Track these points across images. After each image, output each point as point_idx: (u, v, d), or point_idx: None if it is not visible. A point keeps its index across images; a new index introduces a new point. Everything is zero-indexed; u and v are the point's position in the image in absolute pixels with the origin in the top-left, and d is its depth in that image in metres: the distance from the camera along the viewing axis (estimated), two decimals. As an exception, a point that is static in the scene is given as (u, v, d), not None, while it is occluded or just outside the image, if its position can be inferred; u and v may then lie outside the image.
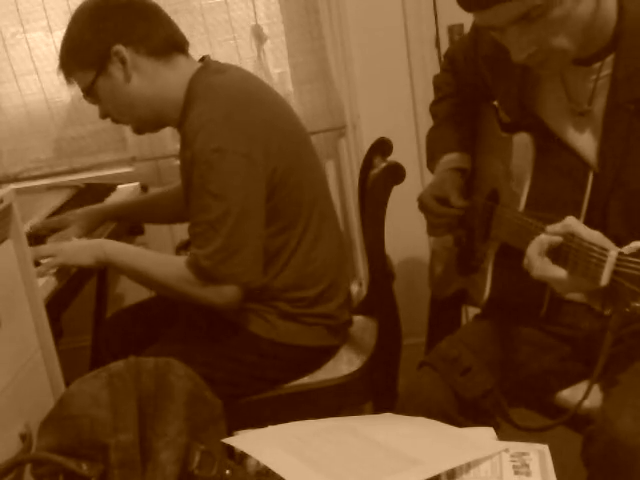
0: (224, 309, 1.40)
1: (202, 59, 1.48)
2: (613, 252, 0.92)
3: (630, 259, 0.91)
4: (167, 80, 1.43)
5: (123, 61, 1.39)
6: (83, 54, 1.41)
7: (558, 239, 1.00)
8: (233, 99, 1.37)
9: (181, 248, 1.91)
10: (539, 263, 1.01)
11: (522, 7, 0.99)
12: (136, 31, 1.40)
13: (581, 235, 0.98)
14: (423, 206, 1.42)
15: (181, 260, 1.38)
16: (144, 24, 1.41)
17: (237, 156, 1.31)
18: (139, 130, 1.53)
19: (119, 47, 1.38)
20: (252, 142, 1.33)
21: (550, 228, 1.02)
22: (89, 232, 1.70)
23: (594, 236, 0.97)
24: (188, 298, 1.40)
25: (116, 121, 1.52)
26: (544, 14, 1.00)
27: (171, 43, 1.44)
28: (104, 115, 1.51)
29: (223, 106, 1.35)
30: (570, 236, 0.99)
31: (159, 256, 1.49)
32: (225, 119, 1.33)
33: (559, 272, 0.99)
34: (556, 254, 1.00)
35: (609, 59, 1.10)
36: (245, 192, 1.33)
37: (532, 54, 1.05)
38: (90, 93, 1.45)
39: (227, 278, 1.34)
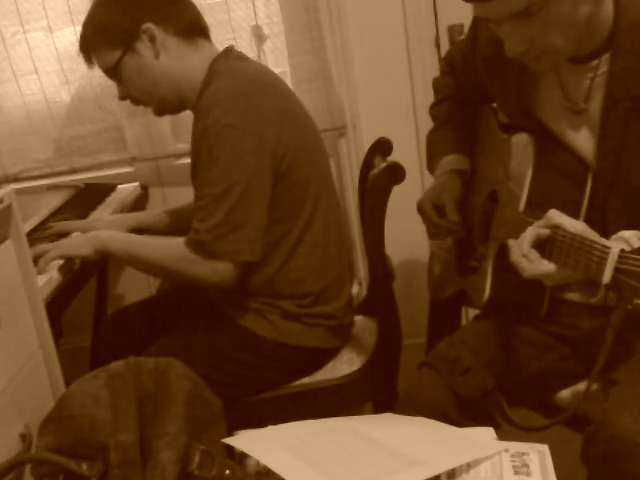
0: (218, 287, 1.40)
1: (226, 48, 1.49)
2: (614, 249, 0.93)
3: (631, 256, 0.91)
4: (191, 62, 1.44)
5: (152, 39, 1.40)
6: (111, 32, 1.41)
7: (545, 232, 1.02)
8: (250, 82, 1.38)
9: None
10: (526, 263, 1.03)
11: (522, 3, 1.00)
12: (165, 10, 1.41)
13: (565, 227, 1.00)
14: (421, 212, 1.43)
15: (178, 240, 1.39)
16: (172, 4, 1.43)
17: (248, 134, 1.31)
18: (160, 111, 1.53)
19: (149, 25, 1.39)
20: (265, 124, 1.34)
21: (536, 223, 1.05)
22: None
23: (577, 227, 1.00)
24: (185, 277, 1.40)
25: (137, 103, 1.52)
26: (542, 11, 1.00)
27: (196, 26, 1.46)
28: (124, 96, 1.51)
29: (240, 86, 1.36)
30: (555, 228, 1.01)
31: (156, 240, 1.49)
32: (240, 97, 1.34)
33: (549, 267, 1.02)
34: (543, 246, 1.02)
35: (606, 57, 1.10)
36: (252, 170, 1.33)
37: (526, 50, 1.06)
38: (115, 72, 1.45)
39: (224, 254, 1.34)
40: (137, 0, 1.41)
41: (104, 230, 1.54)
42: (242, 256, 1.36)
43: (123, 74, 1.45)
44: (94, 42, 1.45)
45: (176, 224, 1.77)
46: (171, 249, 1.40)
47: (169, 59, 1.43)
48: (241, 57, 1.48)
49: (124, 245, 1.45)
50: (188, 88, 1.44)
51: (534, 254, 1.03)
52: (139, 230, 1.80)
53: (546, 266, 1.02)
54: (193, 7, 1.47)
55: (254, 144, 1.32)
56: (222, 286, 1.38)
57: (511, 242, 1.07)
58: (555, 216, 1.03)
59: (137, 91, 1.48)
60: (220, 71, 1.41)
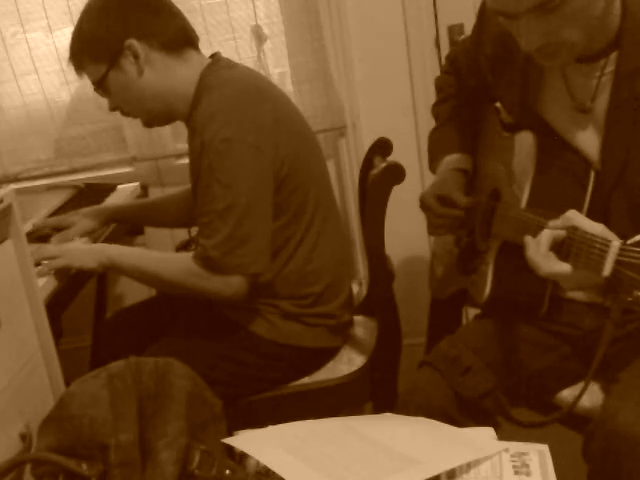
0: (231, 301, 1.39)
1: (213, 55, 1.49)
2: (615, 242, 0.93)
3: (632, 249, 0.91)
4: (179, 74, 1.43)
5: (136, 55, 1.40)
6: (95, 47, 1.41)
7: (562, 233, 1.00)
8: (243, 92, 1.38)
9: (181, 248, 1.91)
10: (544, 262, 1.01)
11: None
12: (149, 25, 1.40)
13: (584, 227, 0.98)
14: (425, 205, 1.42)
15: (187, 255, 1.39)
16: (157, 18, 1.41)
17: (246, 146, 1.31)
18: (149, 124, 1.53)
19: (132, 41, 1.38)
20: (261, 134, 1.34)
21: (552, 223, 1.03)
22: (92, 232, 1.70)
23: (596, 228, 0.98)
24: (196, 292, 1.40)
25: (126, 114, 1.52)
26: (561, 5, 0.99)
27: (183, 38, 1.44)
28: (113, 108, 1.51)
29: (233, 97, 1.36)
30: (573, 229, 0.99)
31: (163, 254, 1.49)
32: (235, 110, 1.33)
33: (565, 267, 1.00)
34: (559, 248, 1.01)
35: (613, 56, 1.10)
36: (253, 183, 1.33)
37: (542, 45, 1.04)
38: (101, 86, 1.45)
39: (234, 269, 1.34)
40: (120, 16, 1.39)
41: (110, 244, 1.53)
42: (252, 268, 1.36)
43: (110, 88, 1.45)
44: (80, 56, 1.44)
45: (158, 215, 1.78)
46: (181, 265, 1.40)
47: (155, 74, 1.42)
48: (230, 65, 1.47)
49: (132, 259, 1.45)
50: (177, 101, 1.44)
51: (551, 255, 1.01)
52: (121, 220, 1.79)
53: (563, 266, 1.00)
54: (179, 18, 1.45)
55: (253, 156, 1.32)
56: (235, 299, 1.38)
57: (528, 239, 1.05)
58: (575, 217, 1.01)
59: (124, 104, 1.49)
60: (211, 83, 1.40)
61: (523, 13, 1.02)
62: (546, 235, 1.02)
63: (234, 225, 1.32)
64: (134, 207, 1.83)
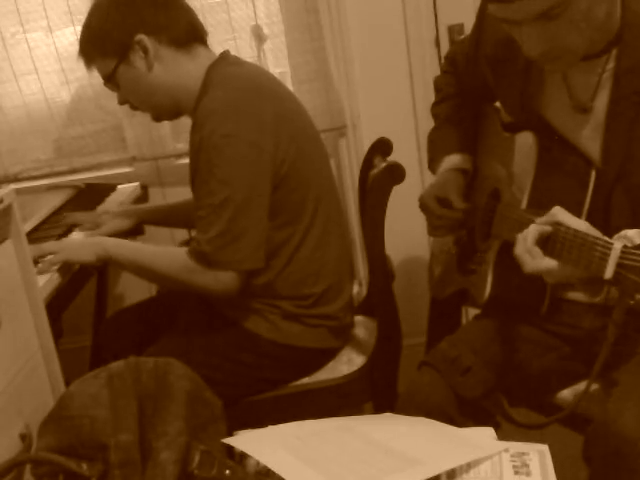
0: (222, 296, 1.40)
1: (222, 53, 1.49)
2: (617, 245, 0.93)
3: (634, 251, 0.91)
4: (187, 70, 1.44)
5: (145, 50, 1.40)
6: (105, 42, 1.42)
7: (547, 228, 1.02)
8: (247, 89, 1.38)
9: (181, 248, 1.91)
10: (529, 259, 1.02)
11: (545, 4, 0.99)
12: (158, 20, 1.40)
13: (568, 223, 1.00)
14: (424, 207, 1.42)
15: (181, 250, 1.40)
16: (166, 13, 1.41)
17: (245, 143, 1.32)
18: (158, 118, 1.54)
19: (142, 36, 1.39)
20: (262, 131, 1.34)
21: (538, 220, 1.04)
22: (121, 232, 1.72)
23: (581, 225, 1.00)
24: (189, 287, 1.41)
25: (135, 108, 1.53)
26: (564, 13, 1.00)
27: (191, 33, 1.45)
28: (123, 102, 1.52)
29: (236, 94, 1.36)
30: (557, 225, 1.01)
31: (159, 248, 1.50)
32: (237, 106, 1.34)
33: (548, 263, 1.01)
34: (545, 244, 1.02)
35: (613, 53, 1.10)
36: (250, 180, 1.33)
37: (545, 51, 1.05)
38: (110, 80, 1.46)
39: (226, 264, 1.35)
40: (130, 11, 1.40)
41: (109, 237, 1.54)
42: (245, 265, 1.36)
43: (119, 82, 1.46)
44: (90, 51, 1.45)
45: (183, 218, 1.78)
46: (175, 259, 1.41)
47: (164, 69, 1.42)
48: (237, 62, 1.47)
49: (127, 253, 1.46)
50: (185, 96, 1.44)
51: (537, 251, 1.02)
52: (147, 222, 1.81)
53: (548, 263, 1.02)
54: (188, 13, 1.46)
55: (252, 153, 1.32)
56: (226, 295, 1.38)
57: (518, 236, 1.06)
58: (558, 213, 1.03)
59: (134, 99, 1.49)
60: (216, 79, 1.40)
61: (525, 21, 1.02)
62: (532, 230, 1.03)
63: (228, 221, 1.32)
64: (163, 209, 1.83)
